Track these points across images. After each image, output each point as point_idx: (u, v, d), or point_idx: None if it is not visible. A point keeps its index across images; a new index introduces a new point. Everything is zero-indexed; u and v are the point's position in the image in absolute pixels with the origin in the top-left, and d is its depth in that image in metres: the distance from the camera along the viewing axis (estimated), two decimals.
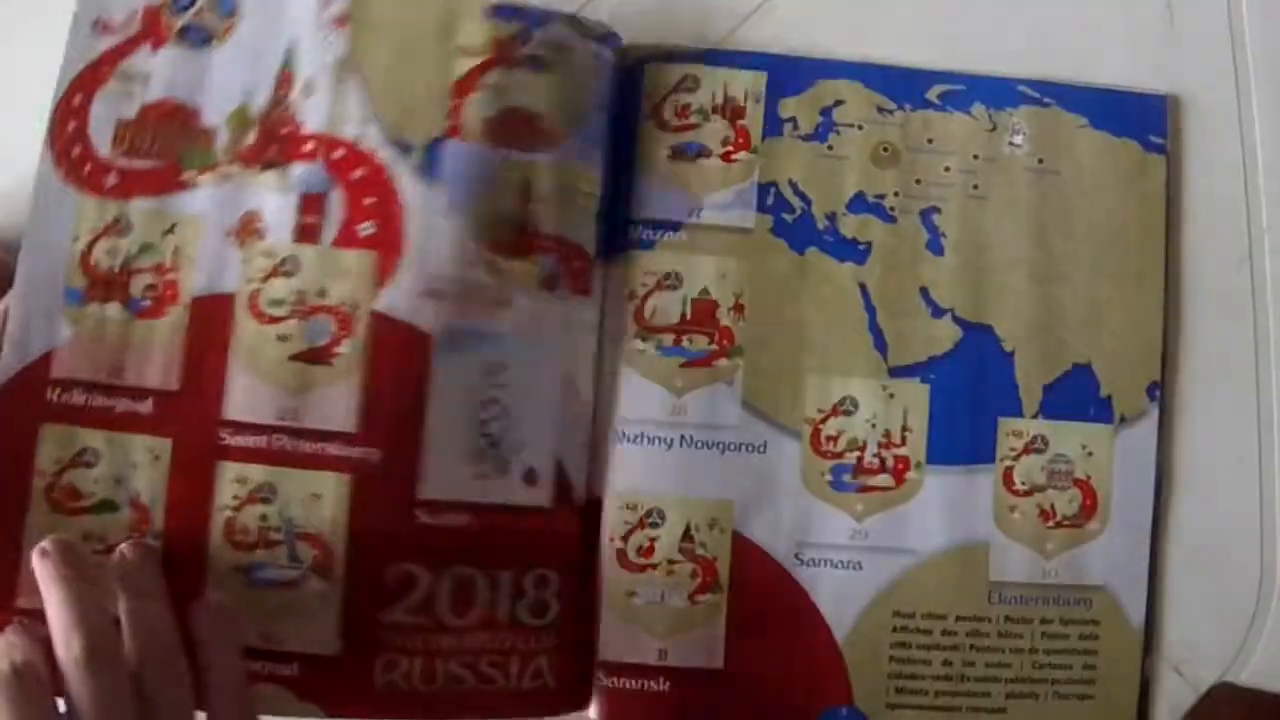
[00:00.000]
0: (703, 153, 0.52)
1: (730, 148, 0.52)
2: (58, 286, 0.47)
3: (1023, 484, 0.51)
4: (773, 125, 0.52)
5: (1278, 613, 0.52)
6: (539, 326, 0.49)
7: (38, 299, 0.47)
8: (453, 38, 0.49)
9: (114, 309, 0.47)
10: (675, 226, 0.51)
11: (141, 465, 0.46)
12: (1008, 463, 0.51)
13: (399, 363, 0.47)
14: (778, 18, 0.54)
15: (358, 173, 0.48)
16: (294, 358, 0.47)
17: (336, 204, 0.48)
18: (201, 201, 0.48)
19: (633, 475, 0.50)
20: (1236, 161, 0.54)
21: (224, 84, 0.49)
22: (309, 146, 0.48)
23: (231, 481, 0.46)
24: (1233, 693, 0.51)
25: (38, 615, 0.42)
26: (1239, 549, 0.52)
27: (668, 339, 0.51)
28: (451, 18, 0.49)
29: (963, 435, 0.51)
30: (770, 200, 0.52)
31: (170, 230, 0.48)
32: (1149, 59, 0.54)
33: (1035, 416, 0.51)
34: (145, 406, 0.47)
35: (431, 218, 0.48)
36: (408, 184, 0.48)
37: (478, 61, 0.49)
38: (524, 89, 0.49)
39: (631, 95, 0.52)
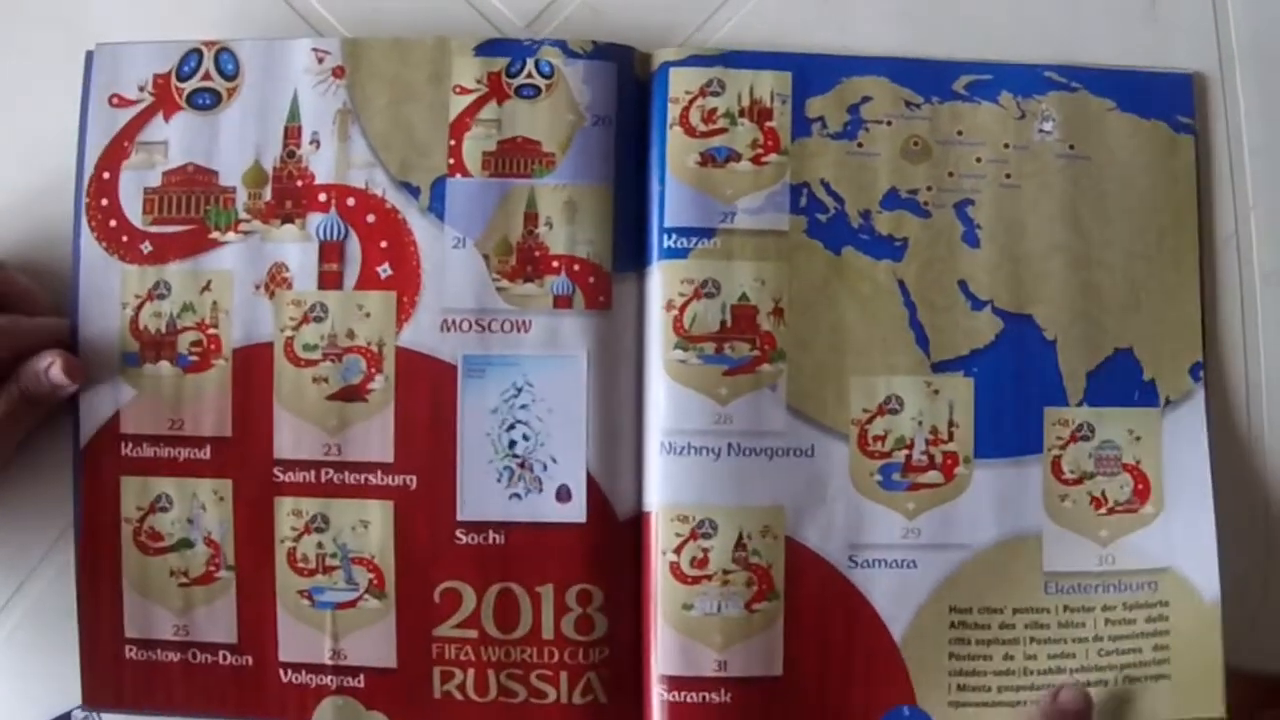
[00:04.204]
0: (732, 157, 0.51)
1: (759, 150, 0.51)
2: (115, 352, 0.51)
3: (1071, 472, 0.51)
4: (801, 125, 0.52)
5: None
6: (558, 346, 0.50)
7: (101, 365, 0.51)
8: (447, 79, 0.51)
9: (166, 367, 0.51)
10: (709, 233, 0.51)
11: (209, 506, 0.50)
12: (1055, 452, 0.51)
13: (427, 393, 0.50)
14: (784, 15, 0.53)
15: (370, 217, 0.50)
16: (331, 397, 0.50)
17: (354, 249, 0.51)
18: (230, 258, 0.51)
19: (682, 487, 0.50)
20: (1222, 140, 0.53)
21: (236, 143, 0.51)
22: (322, 196, 0.51)
23: (289, 514, 0.50)
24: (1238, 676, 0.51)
25: None
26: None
27: (709, 347, 0.50)
28: (444, 60, 0.51)
29: (1009, 427, 0.51)
30: (803, 201, 0.51)
31: (206, 288, 0.51)
32: (1132, 38, 0.53)
33: (1080, 404, 0.51)
34: (204, 453, 0.51)
35: (443, 253, 0.50)
36: (418, 223, 0.50)
37: (472, 99, 0.50)
38: (518, 119, 0.51)
39: (657, 102, 0.51)
